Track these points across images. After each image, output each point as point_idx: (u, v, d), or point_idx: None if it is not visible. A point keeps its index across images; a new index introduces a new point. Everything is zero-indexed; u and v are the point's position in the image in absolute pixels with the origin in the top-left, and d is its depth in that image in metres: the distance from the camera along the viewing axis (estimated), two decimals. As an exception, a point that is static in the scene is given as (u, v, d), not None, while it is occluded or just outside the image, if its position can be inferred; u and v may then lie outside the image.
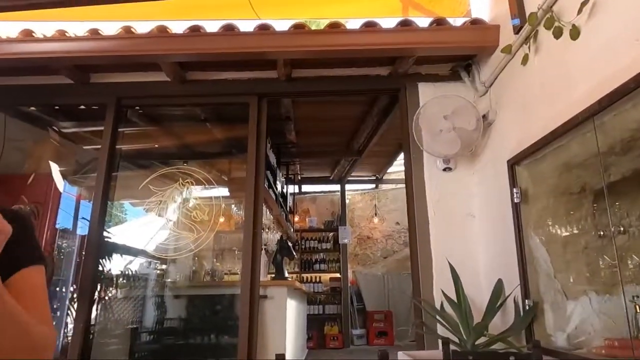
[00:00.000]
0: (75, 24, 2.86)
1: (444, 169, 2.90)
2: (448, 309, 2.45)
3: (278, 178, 4.96)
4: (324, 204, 8.42)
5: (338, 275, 7.49)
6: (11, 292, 0.78)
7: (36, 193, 3.24)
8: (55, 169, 3.89)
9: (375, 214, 8.17)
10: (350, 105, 4.17)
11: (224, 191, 4.65)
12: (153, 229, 3.81)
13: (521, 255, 2.22)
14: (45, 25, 2.85)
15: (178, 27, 2.80)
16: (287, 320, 3.49)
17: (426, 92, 3.04)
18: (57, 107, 3.74)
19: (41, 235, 3.17)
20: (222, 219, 6.57)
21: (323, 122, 4.61)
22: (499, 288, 2.38)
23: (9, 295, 0.72)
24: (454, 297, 2.41)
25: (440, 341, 1.95)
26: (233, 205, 5.06)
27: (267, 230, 4.88)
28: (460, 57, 2.94)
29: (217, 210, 7.59)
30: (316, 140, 5.27)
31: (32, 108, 3.75)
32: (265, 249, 4.75)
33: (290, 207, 6.62)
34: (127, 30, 2.79)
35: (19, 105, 3.53)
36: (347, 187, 7.84)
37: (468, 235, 2.83)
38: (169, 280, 4.38)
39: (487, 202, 2.74)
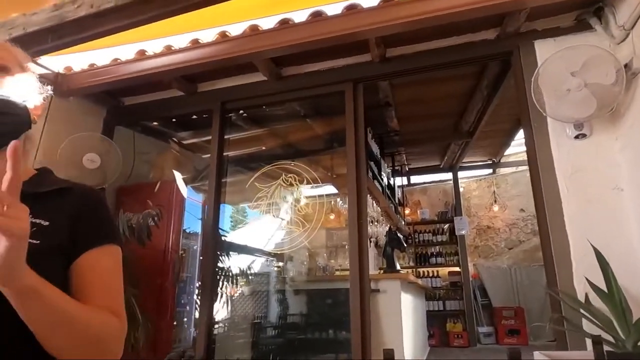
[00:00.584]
0: (179, 37, 3.06)
1: (576, 137, 2.43)
2: (595, 301, 2.03)
3: (383, 169, 4.78)
4: (435, 195, 7.97)
5: (457, 269, 6.99)
6: (75, 278, 0.76)
7: (161, 199, 3.56)
8: (178, 176, 4.26)
9: (495, 202, 7.46)
10: (455, 81, 3.81)
11: (331, 188, 4.66)
12: (269, 229, 3.95)
13: (697, 232, 1.72)
14: (154, 42, 3.10)
15: (268, 23, 2.82)
16: (402, 314, 3.30)
17: (545, 50, 2.59)
18: (174, 120, 4.10)
19: (166, 236, 3.48)
20: (332, 216, 6.65)
21: (426, 104, 4.30)
22: (666, 275, 1.89)
23: (54, 290, 0.67)
24: (602, 287, 1.99)
25: (589, 340, 1.60)
26: (341, 201, 5.04)
27: (375, 223, 4.73)
28: (587, 0, 2.45)
29: (326, 208, 7.67)
30: (421, 125, 4.95)
31: (155, 123, 4.16)
32: (374, 241, 4.61)
33: (399, 200, 6.38)
34: (223, 34, 2.90)
35: (142, 121, 3.93)
36: (460, 174, 7.29)
37: (615, 213, 2.32)
38: (285, 276, 4.51)
39: (638, 170, 2.22)
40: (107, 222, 0.86)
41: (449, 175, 7.36)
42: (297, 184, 3.24)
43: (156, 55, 3.04)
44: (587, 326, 2.04)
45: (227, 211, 3.87)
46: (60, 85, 3.23)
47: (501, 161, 6.95)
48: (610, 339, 1.87)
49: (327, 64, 3.12)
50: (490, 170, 7.57)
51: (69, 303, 0.69)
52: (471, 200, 7.72)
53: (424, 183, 8.09)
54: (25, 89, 0.82)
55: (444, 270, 7.19)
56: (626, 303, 1.90)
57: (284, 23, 2.74)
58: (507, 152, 6.57)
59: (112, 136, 3.70)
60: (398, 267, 3.76)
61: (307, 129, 4.15)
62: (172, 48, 3.01)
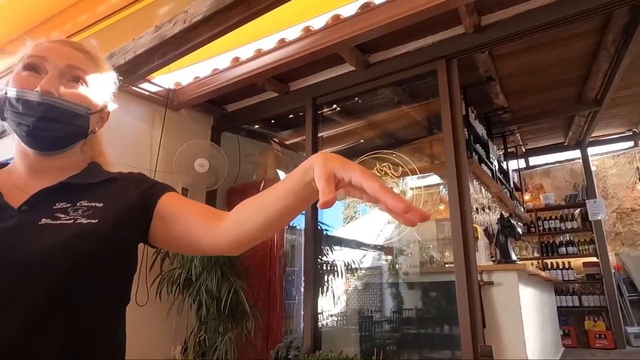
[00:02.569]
0: (267, 39, 3.16)
1: None
2: None
3: (492, 152, 4.36)
4: (561, 176, 7.05)
5: (594, 259, 6.09)
6: (172, 209, 0.79)
7: (265, 196, 3.74)
8: (281, 175, 4.43)
9: (639, 179, 6.33)
10: (571, 41, 3.29)
11: (437, 178, 4.41)
12: (378, 223, 3.90)
13: None
14: (246, 48, 3.26)
15: (349, 10, 2.76)
16: (522, 309, 2.96)
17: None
18: (272, 121, 4.28)
19: (271, 231, 3.63)
20: (441, 207, 6.34)
21: (538, 73, 3.80)
22: None
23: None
24: None
25: None
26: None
27: (487, 210, 4.35)
28: None
29: (435, 198, 7.37)
30: (534, 99, 4.40)
31: (256, 126, 4.40)
32: (486, 230, 4.24)
33: (515, 184, 5.79)
34: (306, 29, 2.92)
35: (244, 125, 4.17)
36: (591, 150, 6.34)
37: None
38: (394, 270, 4.41)
39: None
40: (161, 183, 0.87)
41: (576, 153, 6.45)
42: (392, 173, 3.12)
43: (248, 60, 3.20)
44: None
45: (337, 207, 3.89)
46: (172, 99, 3.59)
47: (645, 131, 5.87)
48: None
49: (416, 44, 2.94)
50: (631, 143, 6.45)
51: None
52: (607, 180, 6.66)
53: (546, 164, 7.21)
54: (100, 95, 0.87)
55: (577, 261, 6.32)
56: None
57: (365, 7, 2.64)
58: (651, 119, 5.52)
59: (219, 141, 4.01)
60: (514, 257, 3.39)
61: (403, 116, 3.98)
62: (262, 51, 3.13)
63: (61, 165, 0.82)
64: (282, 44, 2.99)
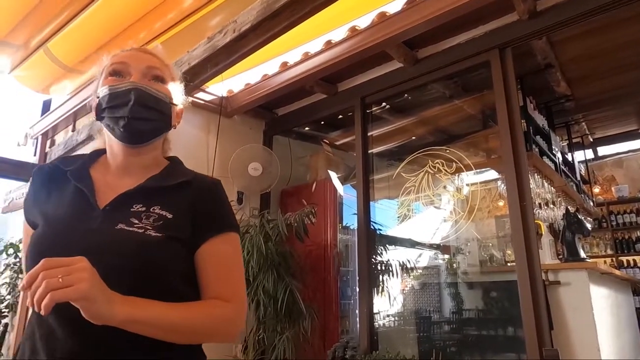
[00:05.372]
0: (314, 42, 3.20)
1: None
2: None
3: (555, 143, 4.11)
4: (635, 166, 6.49)
5: (679, 256, 5.55)
6: (198, 265, 0.86)
7: (317, 198, 3.78)
8: (333, 175, 4.46)
9: None
10: (636, 21, 3.02)
11: (495, 173, 4.23)
12: (434, 221, 3.82)
13: None
14: (294, 52, 3.32)
15: (396, 6, 2.72)
16: (594, 311, 2.76)
17: None
18: (322, 122, 4.31)
19: (324, 232, 3.67)
20: (501, 203, 6.07)
21: (603, 57, 3.52)
22: None
23: (154, 308, 0.75)
24: None
25: None
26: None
27: (552, 205, 4.11)
28: None
29: (494, 194, 7.06)
30: (599, 84, 4.08)
31: (307, 128, 4.46)
32: (550, 226, 4.00)
33: (582, 177, 5.40)
34: (352, 29, 2.92)
35: (295, 127, 4.24)
36: (670, 137, 5.79)
37: None
38: (452, 270, 4.30)
39: None
40: (225, 211, 0.94)
41: (652, 141, 5.92)
42: (445, 170, 3.03)
43: (296, 64, 3.25)
44: None
45: (390, 206, 3.86)
46: (225, 107, 3.73)
47: None
48: None
49: (466, 35, 2.84)
50: None
51: (173, 312, 0.77)
52: (692, 168, 6.05)
53: (618, 154, 6.67)
54: (175, 92, 0.97)
55: (657, 259, 5.79)
56: None
57: (411, 2, 2.60)
58: None
59: (271, 145, 4.11)
60: (583, 254, 3.16)
61: (456, 110, 3.86)
62: (309, 54, 3.17)
63: (145, 162, 0.93)
64: (329, 45, 3.01)
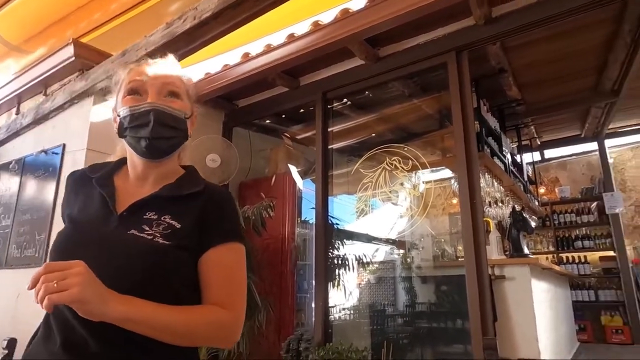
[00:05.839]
0: (277, 35, 3.17)
1: None
2: None
3: (505, 144, 4.31)
4: (577, 169, 6.93)
5: (611, 253, 5.98)
6: (201, 272, 0.91)
7: (276, 191, 3.77)
8: (293, 169, 4.45)
9: (659, 172, 6.18)
10: (586, 31, 3.22)
11: (450, 172, 4.38)
12: (390, 217, 3.90)
13: None
14: (256, 44, 3.28)
15: (358, 3, 2.74)
16: (534, 303, 2.94)
17: None
18: (283, 116, 4.30)
19: (282, 226, 3.67)
20: (455, 201, 6.29)
21: (551, 65, 3.74)
22: None
23: (148, 309, 0.80)
24: None
25: None
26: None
27: (500, 204, 4.31)
28: None
29: (448, 192, 7.29)
30: (548, 91, 4.32)
31: (267, 121, 4.42)
32: (498, 224, 4.21)
33: (529, 177, 5.71)
34: (315, 24, 2.92)
35: (255, 120, 4.20)
36: (609, 142, 6.20)
37: None
38: (406, 264, 4.41)
39: None
40: (231, 221, 0.99)
41: (593, 146, 6.32)
42: (402, 167, 3.11)
43: (258, 55, 3.21)
44: None
45: (348, 201, 3.91)
46: (184, 95, 3.62)
47: (665, 122, 5.72)
48: None
49: (426, 36, 2.92)
50: (651, 135, 6.29)
51: (168, 314, 0.82)
52: (626, 173, 6.52)
53: (562, 157, 7.08)
54: (189, 103, 1.03)
55: (593, 256, 6.22)
56: None
57: (374, 0, 2.63)
58: (671, 110, 5.37)
59: (230, 137, 4.04)
60: (526, 251, 3.36)
61: (415, 109, 3.96)
62: (271, 46, 3.14)
63: (163, 172, 0.99)
64: (292, 38, 3.00)
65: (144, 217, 0.91)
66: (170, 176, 1.00)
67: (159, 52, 2.68)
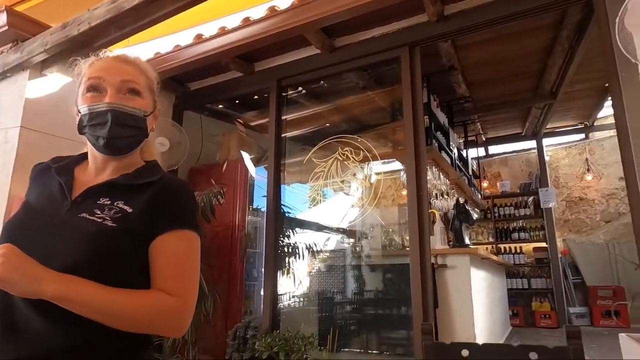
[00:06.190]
0: (232, 17, 3.09)
1: (677, 85, 2.04)
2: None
3: (452, 139, 4.49)
4: (517, 165, 7.36)
5: (544, 244, 6.45)
6: (150, 258, 0.90)
7: (227, 178, 3.71)
8: (246, 156, 4.39)
9: (588, 170, 6.70)
10: (529, 35, 3.41)
11: (400, 164, 4.49)
12: (342, 207, 3.95)
13: None
14: (210, 25, 3.18)
15: (316, -9, 2.72)
16: (473, 291, 3.11)
17: (637, -15, 2.19)
18: (237, 101, 4.21)
19: (232, 213, 3.63)
20: (405, 192, 6.47)
21: (498, 65, 3.92)
22: None
23: (89, 288, 0.80)
24: None
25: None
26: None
27: (445, 196, 4.50)
28: None
29: (399, 184, 7.47)
30: (494, 89, 4.55)
31: (220, 106, 4.32)
32: (443, 215, 4.39)
33: (474, 172, 5.99)
34: (272, 9, 2.87)
35: (207, 104, 4.09)
36: (546, 141, 6.65)
37: None
38: (356, 253, 4.50)
39: None
40: (184, 209, 0.96)
41: (532, 144, 6.75)
42: (353, 158, 3.16)
43: (212, 37, 3.12)
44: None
45: (300, 190, 3.91)
46: (131, 75, 3.45)
47: (595, 124, 6.20)
48: None
49: (381, 30, 2.96)
50: (582, 136, 6.80)
51: (109, 295, 0.81)
52: (559, 170, 7.02)
53: (504, 153, 7.50)
54: (151, 99, 1.03)
55: (528, 247, 6.68)
56: None
57: (331, -11, 2.63)
58: (602, 113, 5.84)
59: (181, 121, 3.91)
60: (467, 241, 3.54)
61: (368, 101, 4.02)
62: (226, 28, 3.06)
63: (122, 164, 1.00)
64: (247, 22, 2.93)
65: (98, 202, 0.92)
66: (130, 168, 1.00)
67: (103, 27, 2.55)
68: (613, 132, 6.31)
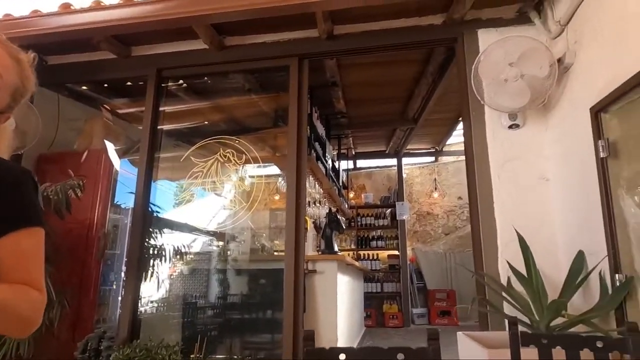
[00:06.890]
0: (111, -7, 2.79)
1: (510, 126, 2.51)
2: (517, 285, 2.12)
3: (328, 151, 4.74)
4: (380, 180, 8.11)
5: (396, 252, 7.21)
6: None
7: (87, 169, 3.30)
8: (110, 147, 3.96)
9: (435, 189, 7.73)
10: (402, 65, 3.82)
11: (277, 169, 4.55)
12: (213, 208, 3.80)
13: (609, 221, 1.83)
14: (82, -4, 2.81)
15: (210, -15, 2.63)
16: (338, 295, 3.31)
17: (487, 39, 2.62)
18: (106, 85, 3.79)
19: (91, 209, 3.24)
20: (277, 197, 6.56)
21: (373, 87, 4.29)
22: (580, 261, 2.01)
23: None
24: (523, 271, 2.08)
25: (507, 321, 1.65)
26: (285, 183, 4.95)
27: (318, 204, 4.71)
28: (529, -7, 2.50)
29: (272, 188, 7.52)
30: (367, 109, 4.96)
31: (84, 87, 3.83)
32: (315, 222, 4.60)
33: (343, 183, 6.41)
34: (160, -7, 2.67)
35: (68, 83, 3.59)
36: (405, 160, 7.46)
37: (541, 202, 2.44)
38: (224, 256, 4.39)
39: (564, 162, 2.33)
40: (28, 203, 0.88)
41: (393, 161, 7.50)
42: (235, 160, 3.11)
43: (83, 10, 2.76)
44: (508, 308, 2.14)
45: (170, 188, 3.67)
46: (-31, 35, 2.85)
47: (443, 150, 7.18)
48: (527, 320, 1.96)
49: (273, 37, 2.99)
50: (433, 158, 7.81)
51: None
52: (413, 187, 7.94)
53: (370, 168, 8.20)
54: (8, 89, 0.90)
55: (383, 254, 7.38)
56: (543, 287, 1.99)
57: (227, -14, 2.56)
58: (449, 141, 6.78)
59: (32, 98, 3.35)
60: (336, 248, 3.77)
61: (252, 104, 4.00)
62: (102, 4, 2.74)
63: None
64: (130, 2, 2.67)
65: None
66: None
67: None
68: (457, 158, 7.41)
